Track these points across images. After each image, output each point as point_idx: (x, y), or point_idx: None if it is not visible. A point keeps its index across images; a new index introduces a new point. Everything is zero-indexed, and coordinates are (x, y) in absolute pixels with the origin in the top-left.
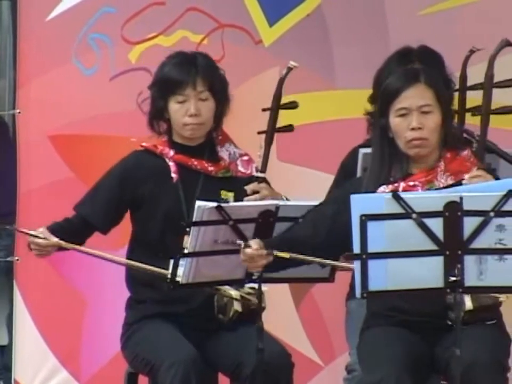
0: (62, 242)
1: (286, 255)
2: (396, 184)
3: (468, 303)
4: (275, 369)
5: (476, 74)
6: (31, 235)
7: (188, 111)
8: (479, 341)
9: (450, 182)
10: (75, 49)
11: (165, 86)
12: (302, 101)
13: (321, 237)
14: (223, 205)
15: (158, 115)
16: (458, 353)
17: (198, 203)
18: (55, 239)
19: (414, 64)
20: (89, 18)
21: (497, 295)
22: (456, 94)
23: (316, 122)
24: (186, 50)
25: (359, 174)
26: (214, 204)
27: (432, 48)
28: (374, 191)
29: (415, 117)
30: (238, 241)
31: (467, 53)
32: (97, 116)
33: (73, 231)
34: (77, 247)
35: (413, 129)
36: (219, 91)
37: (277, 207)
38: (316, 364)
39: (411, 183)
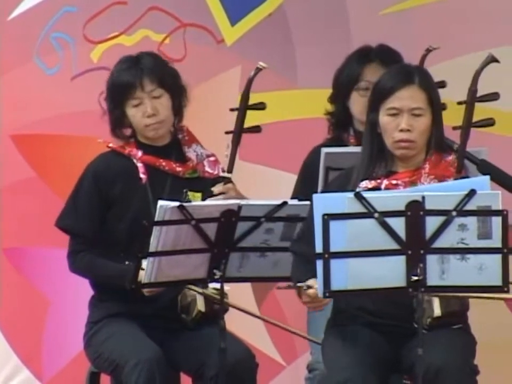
0: None
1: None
2: (378, 181)
3: (437, 309)
4: (239, 369)
5: (437, 74)
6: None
7: (145, 112)
8: (449, 345)
9: (433, 184)
10: (37, 48)
11: (116, 94)
12: (264, 100)
13: None
14: (185, 204)
15: (119, 123)
16: (420, 353)
17: (160, 203)
18: None
19: (374, 63)
20: (51, 18)
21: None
22: None
23: (278, 121)
24: (131, 53)
25: (321, 173)
26: (176, 204)
27: (391, 47)
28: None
29: (405, 119)
30: (299, 284)
31: (423, 51)
32: (59, 116)
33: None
34: None
35: (401, 130)
36: (171, 85)
37: (239, 207)
38: (278, 363)
39: (394, 182)
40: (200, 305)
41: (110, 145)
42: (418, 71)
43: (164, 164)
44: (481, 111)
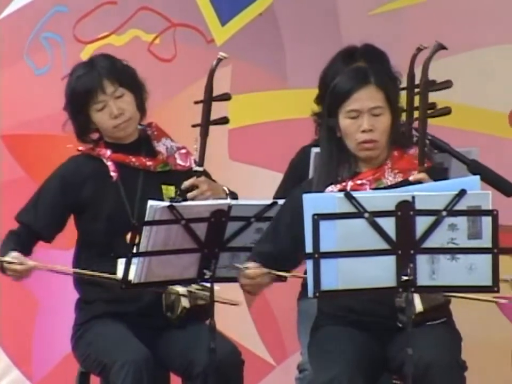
0: (38, 264)
1: (285, 274)
2: (343, 184)
3: (418, 305)
4: (226, 367)
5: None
6: (6, 261)
7: (111, 114)
8: (436, 341)
9: (398, 179)
10: (27, 48)
11: (78, 101)
12: (254, 100)
13: (286, 246)
14: (175, 204)
15: (84, 129)
16: (410, 353)
17: (150, 202)
18: (31, 263)
19: (359, 63)
20: (41, 18)
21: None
22: (405, 93)
23: (268, 121)
24: (128, 55)
25: (311, 173)
26: (166, 203)
27: (376, 47)
28: (322, 192)
29: (366, 119)
30: (237, 265)
31: (414, 51)
32: (49, 116)
33: (21, 243)
34: (51, 266)
35: (363, 131)
36: (130, 82)
37: (229, 207)
38: (268, 363)
39: (359, 182)
40: (184, 301)
41: (80, 148)
42: (373, 71)
43: (133, 160)
44: (470, 110)
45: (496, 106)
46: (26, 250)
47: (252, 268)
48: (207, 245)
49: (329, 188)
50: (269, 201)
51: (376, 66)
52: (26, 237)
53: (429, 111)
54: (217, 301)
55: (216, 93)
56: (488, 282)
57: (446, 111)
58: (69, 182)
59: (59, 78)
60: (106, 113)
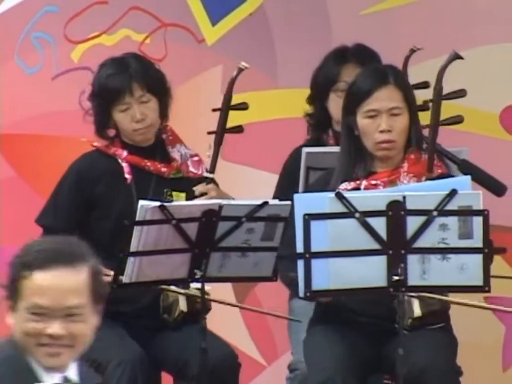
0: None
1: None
2: (358, 182)
3: (417, 309)
4: (222, 369)
5: (417, 74)
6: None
7: (133, 117)
8: (432, 346)
9: (412, 183)
10: (18, 48)
11: (104, 98)
12: (245, 100)
13: None
14: (166, 204)
15: (104, 125)
16: (401, 353)
17: (141, 202)
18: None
19: (352, 63)
20: (32, 17)
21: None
22: None
23: (259, 121)
24: (126, 52)
25: (302, 173)
26: (157, 203)
27: (367, 47)
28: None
29: (384, 119)
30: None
31: (407, 52)
32: (39, 115)
33: None
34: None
35: (382, 131)
36: (158, 89)
37: (220, 206)
38: (259, 363)
39: (373, 182)
40: (182, 305)
41: (95, 144)
42: (392, 71)
43: (148, 164)
44: (460, 110)
45: (487, 106)
46: None
47: None
48: (198, 245)
49: (343, 185)
50: (260, 201)
51: (394, 67)
52: None
53: (420, 112)
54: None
55: (199, 93)
56: (479, 282)
57: (459, 120)
58: (84, 177)
59: (50, 78)
60: (129, 116)
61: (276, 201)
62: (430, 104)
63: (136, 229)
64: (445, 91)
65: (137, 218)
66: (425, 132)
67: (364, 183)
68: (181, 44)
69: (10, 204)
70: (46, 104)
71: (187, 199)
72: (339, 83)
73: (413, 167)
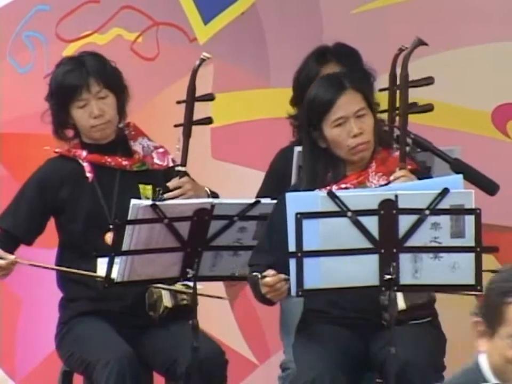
0: (19, 259)
1: None
2: (328, 188)
3: (401, 302)
4: (209, 366)
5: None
6: None
7: (91, 113)
8: (416, 340)
9: (382, 182)
10: (9, 47)
11: (61, 95)
12: (237, 99)
13: (282, 253)
14: (158, 203)
15: (62, 124)
16: (393, 352)
17: (133, 201)
18: (12, 256)
19: (331, 63)
20: (24, 16)
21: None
22: (387, 93)
23: (250, 120)
24: (110, 53)
25: (294, 172)
26: (149, 202)
27: (348, 45)
28: None
29: (353, 124)
30: (254, 274)
31: (396, 51)
32: (31, 114)
33: (2, 246)
34: (33, 262)
35: (355, 136)
36: (115, 85)
37: (212, 205)
38: (251, 362)
39: (343, 185)
40: (166, 301)
41: (57, 150)
42: (346, 75)
43: (109, 160)
44: (452, 109)
45: (478, 105)
46: (8, 253)
47: (270, 276)
48: (190, 243)
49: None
50: (252, 200)
51: (347, 68)
52: (7, 241)
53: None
54: (204, 295)
55: (199, 92)
56: (471, 281)
57: (428, 108)
58: (46, 185)
59: (41, 77)
60: (87, 112)
61: (268, 200)
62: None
63: (128, 228)
64: (438, 88)
65: (129, 217)
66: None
67: (334, 187)
68: (173, 43)
69: (3, 203)
70: (39, 103)
71: (154, 191)
72: None
73: (381, 166)
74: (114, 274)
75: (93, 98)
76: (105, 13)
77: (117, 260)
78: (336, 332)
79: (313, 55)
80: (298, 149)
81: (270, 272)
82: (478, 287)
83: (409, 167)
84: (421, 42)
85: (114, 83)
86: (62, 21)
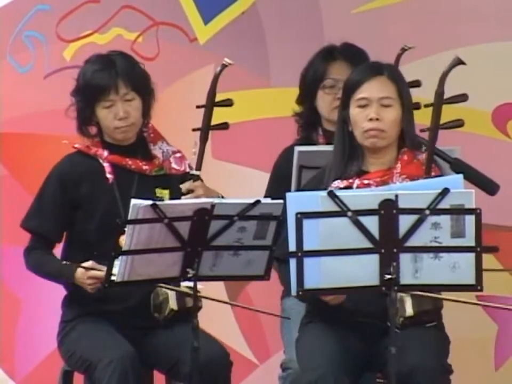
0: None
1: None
2: (350, 181)
3: (409, 309)
4: (213, 368)
5: (408, 72)
6: (94, 269)
7: (116, 115)
8: (423, 344)
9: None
10: (9, 46)
11: (88, 94)
12: (237, 99)
13: None
14: (158, 203)
15: (86, 121)
16: (393, 352)
17: (133, 201)
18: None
19: (339, 61)
20: (24, 16)
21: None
22: None
23: (251, 120)
24: (100, 52)
25: (294, 171)
26: (149, 202)
27: (355, 45)
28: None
29: (374, 108)
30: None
31: (399, 51)
32: (31, 114)
33: (51, 251)
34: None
35: (370, 119)
36: (142, 88)
37: (213, 205)
38: (251, 362)
39: (366, 181)
40: (173, 303)
41: (76, 145)
42: (388, 66)
43: (130, 162)
44: (452, 109)
45: (479, 104)
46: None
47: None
48: (190, 243)
49: (336, 183)
50: (252, 200)
51: (392, 64)
52: (43, 244)
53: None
54: (210, 298)
55: (196, 92)
56: (472, 281)
57: (459, 124)
58: (66, 179)
59: (42, 77)
60: (112, 113)
61: (268, 200)
62: (431, 107)
63: (129, 228)
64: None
65: (129, 217)
66: (425, 135)
67: (357, 182)
68: (173, 43)
69: (3, 203)
70: (39, 103)
71: (172, 197)
72: (326, 80)
73: (406, 168)
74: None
75: (119, 100)
76: (105, 12)
77: (117, 260)
78: (340, 332)
79: (320, 54)
80: (298, 149)
81: None
82: (478, 287)
83: (432, 173)
84: (459, 62)
85: (142, 86)
86: (62, 21)
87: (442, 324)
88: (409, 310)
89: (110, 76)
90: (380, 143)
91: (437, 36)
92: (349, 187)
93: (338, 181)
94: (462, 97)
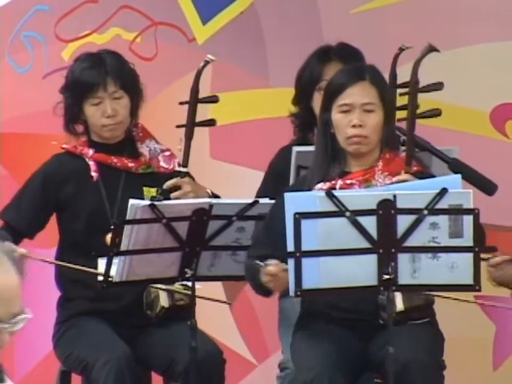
0: (31, 254)
1: None
2: (333, 182)
3: (399, 304)
4: (207, 366)
5: (407, 73)
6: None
7: (104, 112)
8: (415, 340)
9: (388, 181)
10: (8, 47)
11: (77, 91)
12: (236, 99)
13: (281, 246)
14: (156, 203)
15: (74, 119)
16: (391, 351)
17: (131, 201)
18: (23, 250)
19: (335, 61)
20: (22, 16)
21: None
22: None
23: (249, 120)
24: (91, 50)
25: (292, 172)
26: (147, 202)
27: (351, 45)
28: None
29: (356, 114)
30: (258, 262)
31: (396, 51)
32: (30, 114)
33: (7, 239)
34: (44, 258)
35: (353, 126)
36: (131, 87)
37: (211, 205)
38: (249, 362)
39: (348, 181)
40: (163, 301)
41: (64, 146)
42: (369, 69)
43: (115, 160)
44: (451, 108)
45: (477, 104)
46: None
47: (273, 265)
48: (189, 243)
49: (319, 185)
50: (251, 200)
51: (373, 66)
52: (10, 234)
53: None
54: (205, 298)
55: (200, 92)
56: (470, 281)
57: (436, 113)
58: (50, 180)
59: (40, 77)
60: (100, 110)
61: (267, 200)
62: (407, 96)
63: (127, 228)
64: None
65: (127, 217)
66: (402, 125)
67: (339, 182)
68: (172, 43)
69: (2, 203)
70: (37, 103)
71: (158, 194)
72: (322, 81)
73: (387, 166)
74: (112, 274)
75: (107, 98)
76: (104, 12)
77: (115, 260)
78: (334, 332)
79: (316, 54)
80: (296, 149)
81: (273, 261)
82: (476, 287)
83: (414, 168)
84: (432, 49)
85: (131, 85)
86: (61, 21)
87: (435, 320)
88: (399, 305)
89: (99, 73)
90: (363, 148)
91: (436, 36)
92: (331, 188)
93: (321, 183)
94: (437, 86)
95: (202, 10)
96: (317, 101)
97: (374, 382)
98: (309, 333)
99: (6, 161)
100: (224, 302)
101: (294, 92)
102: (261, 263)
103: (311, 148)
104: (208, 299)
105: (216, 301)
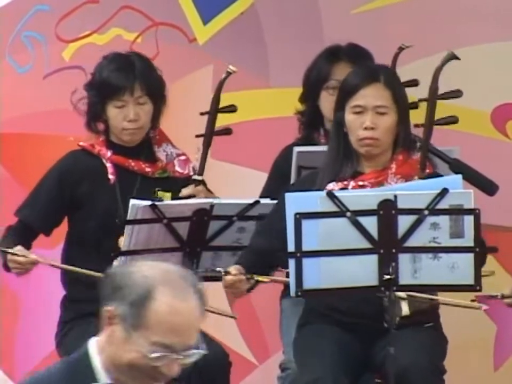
0: (40, 259)
1: (266, 279)
2: (345, 182)
3: (405, 308)
4: (213, 369)
5: (409, 72)
6: (10, 253)
7: (126, 116)
8: (417, 344)
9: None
10: (9, 47)
11: (103, 91)
12: (236, 100)
13: (279, 247)
14: (157, 203)
15: (95, 117)
16: (392, 352)
17: (132, 201)
18: (33, 256)
19: (344, 61)
20: (23, 16)
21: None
22: None
23: (250, 120)
24: (122, 50)
25: (293, 172)
26: (148, 202)
27: (360, 46)
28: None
29: (369, 117)
30: (218, 269)
31: (396, 50)
32: (31, 115)
33: (20, 237)
34: (53, 262)
35: (365, 128)
36: (156, 94)
37: (212, 206)
38: (250, 362)
39: (361, 183)
40: None
41: (81, 143)
42: (384, 70)
43: (133, 164)
44: (451, 109)
45: (478, 105)
46: (27, 245)
47: (232, 273)
48: (189, 244)
49: (330, 185)
50: (251, 200)
51: (387, 67)
52: (25, 232)
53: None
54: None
55: (192, 92)
56: (470, 281)
57: (453, 120)
58: (66, 177)
59: (41, 77)
60: (122, 114)
61: (267, 200)
62: (426, 103)
63: (128, 228)
64: (438, 88)
65: (128, 217)
66: (419, 131)
67: (352, 183)
68: (172, 43)
69: (3, 204)
70: (38, 103)
71: (173, 199)
72: (330, 81)
73: (400, 168)
74: None
75: (132, 102)
76: (105, 13)
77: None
78: (337, 333)
79: (325, 54)
80: (297, 149)
81: (233, 270)
82: (477, 287)
83: (427, 171)
84: (453, 56)
85: (156, 91)
86: (62, 21)
87: (440, 324)
88: (405, 309)
89: (128, 77)
90: (375, 150)
91: (437, 36)
92: (343, 189)
93: (333, 183)
94: (456, 93)
95: (203, 10)
96: (324, 100)
97: (374, 382)
98: (312, 333)
99: (6, 161)
100: (232, 317)
101: (302, 89)
102: (221, 270)
103: (312, 148)
104: (213, 312)
105: (222, 315)
